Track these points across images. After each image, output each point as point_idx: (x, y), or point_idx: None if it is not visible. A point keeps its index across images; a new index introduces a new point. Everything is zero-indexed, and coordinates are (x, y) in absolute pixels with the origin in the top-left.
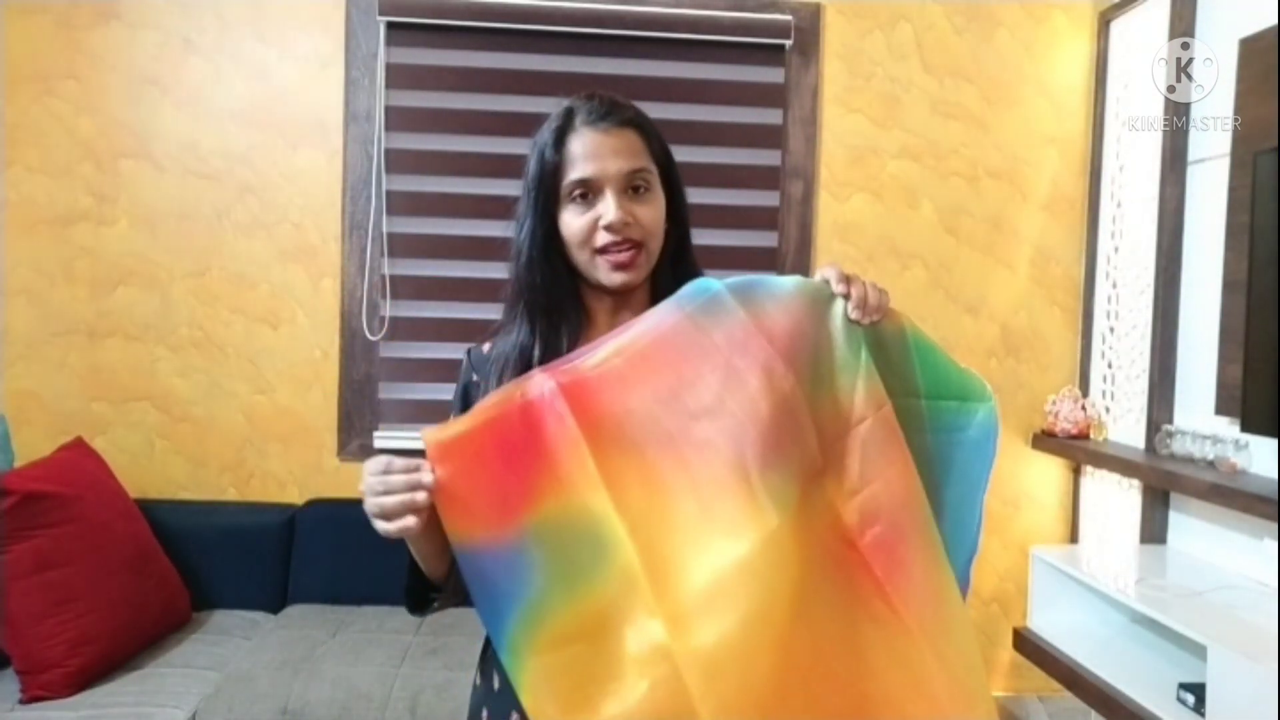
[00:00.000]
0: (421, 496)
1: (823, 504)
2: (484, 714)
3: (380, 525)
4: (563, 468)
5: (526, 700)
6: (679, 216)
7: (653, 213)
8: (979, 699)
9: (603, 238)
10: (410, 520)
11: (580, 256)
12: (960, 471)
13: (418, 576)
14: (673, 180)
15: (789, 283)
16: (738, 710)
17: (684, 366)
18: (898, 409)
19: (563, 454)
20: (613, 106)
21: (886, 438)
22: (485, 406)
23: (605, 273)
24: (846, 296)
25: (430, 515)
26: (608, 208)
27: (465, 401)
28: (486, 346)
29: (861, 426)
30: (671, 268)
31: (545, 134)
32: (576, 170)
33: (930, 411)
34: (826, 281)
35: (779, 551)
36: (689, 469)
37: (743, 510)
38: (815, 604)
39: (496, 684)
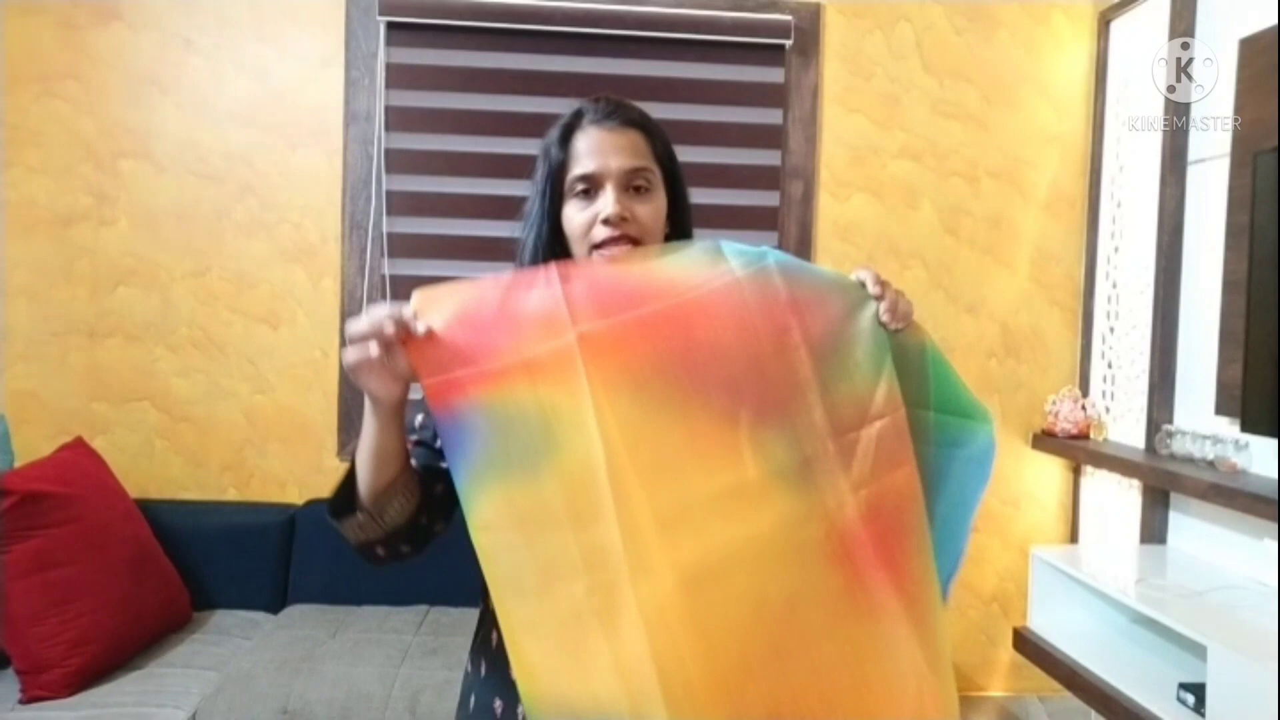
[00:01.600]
0: (390, 328)
1: (829, 487)
2: (472, 700)
3: (347, 356)
4: (548, 359)
5: (486, 573)
6: (681, 217)
7: (651, 211)
8: (949, 700)
9: (600, 232)
10: (372, 350)
11: (580, 251)
12: (955, 487)
13: (351, 485)
14: (676, 181)
15: (829, 273)
16: (669, 633)
17: (712, 321)
18: (907, 418)
19: (552, 348)
20: (618, 107)
21: (898, 440)
22: (496, 283)
23: None
24: (879, 299)
25: (389, 414)
26: (607, 202)
27: None
28: None
29: (878, 423)
30: None
31: (553, 133)
32: (579, 165)
33: (937, 424)
34: (862, 284)
35: (750, 505)
36: (683, 395)
37: (723, 452)
38: (792, 574)
39: (483, 671)
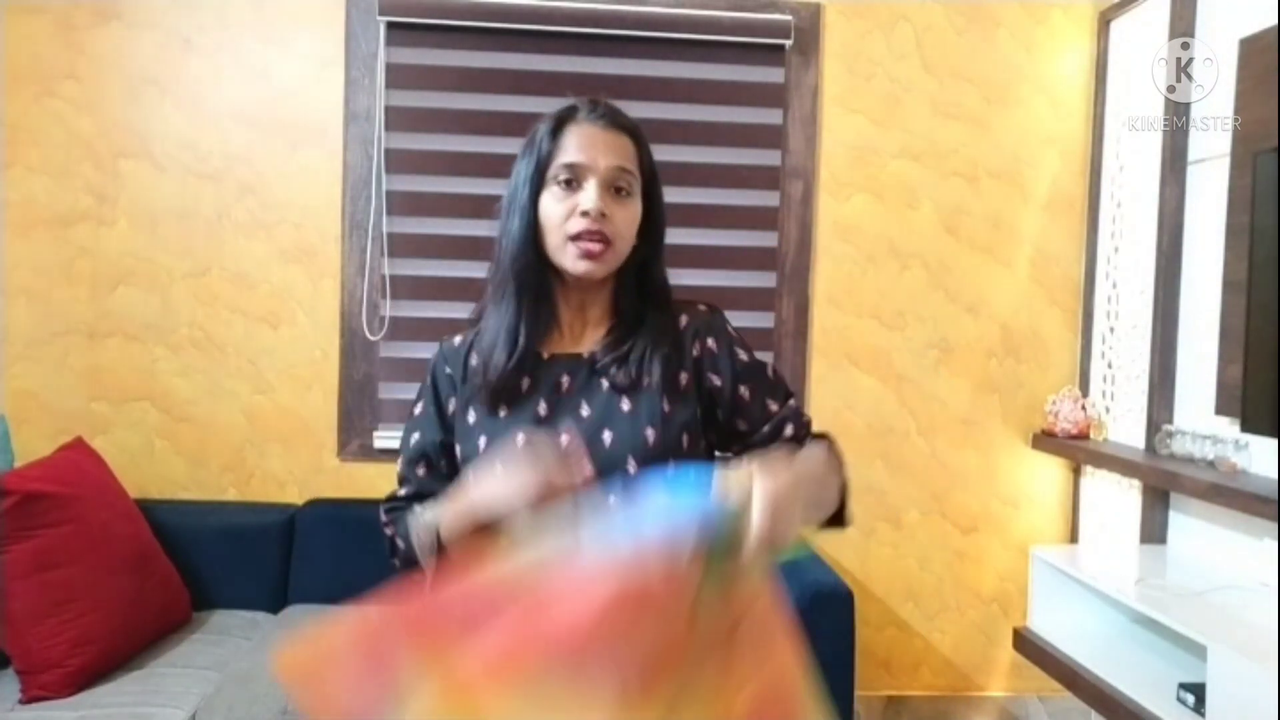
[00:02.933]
0: None
1: (712, 696)
2: None
3: None
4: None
5: None
6: (654, 232)
7: (627, 216)
8: None
9: (576, 224)
10: None
11: (552, 240)
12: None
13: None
14: (654, 198)
15: (683, 505)
16: None
17: (569, 611)
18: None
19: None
20: (615, 112)
21: (768, 623)
22: (349, 645)
23: (572, 259)
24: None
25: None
26: (589, 196)
27: (436, 392)
28: (457, 340)
29: (745, 621)
30: (636, 279)
31: (543, 125)
32: (567, 155)
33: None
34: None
35: None
36: (569, 696)
37: None
38: None
39: None
